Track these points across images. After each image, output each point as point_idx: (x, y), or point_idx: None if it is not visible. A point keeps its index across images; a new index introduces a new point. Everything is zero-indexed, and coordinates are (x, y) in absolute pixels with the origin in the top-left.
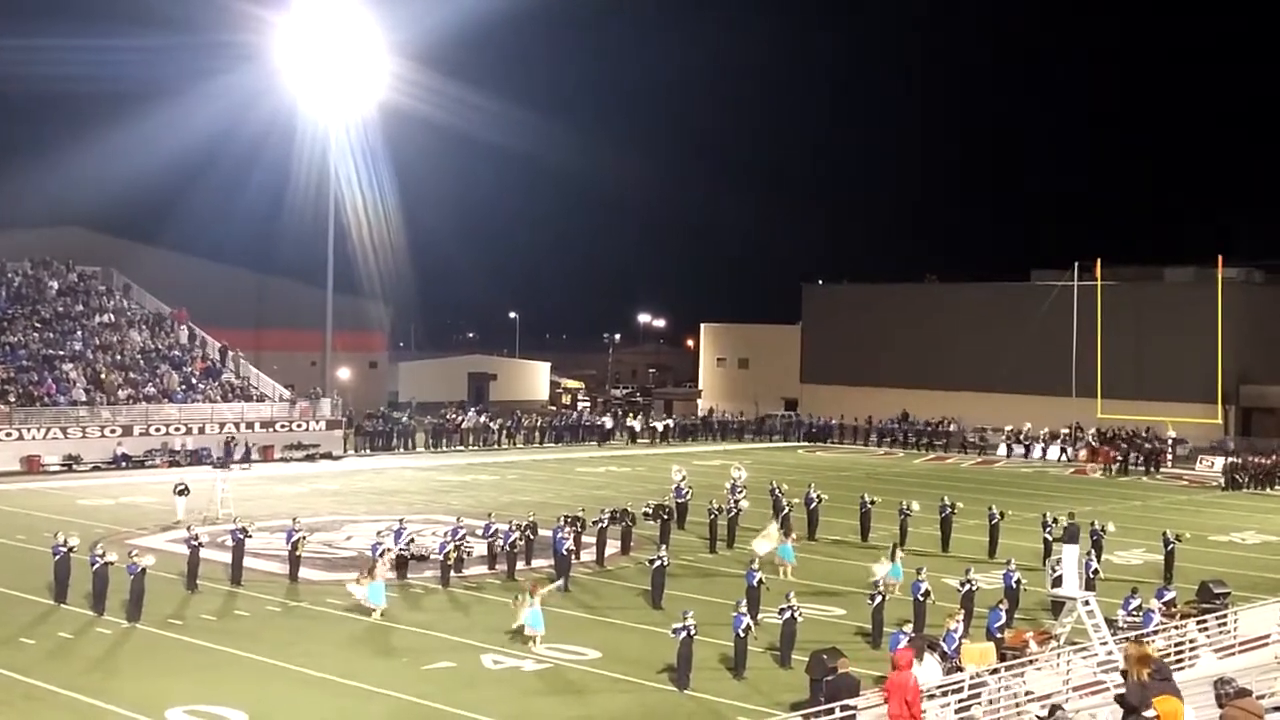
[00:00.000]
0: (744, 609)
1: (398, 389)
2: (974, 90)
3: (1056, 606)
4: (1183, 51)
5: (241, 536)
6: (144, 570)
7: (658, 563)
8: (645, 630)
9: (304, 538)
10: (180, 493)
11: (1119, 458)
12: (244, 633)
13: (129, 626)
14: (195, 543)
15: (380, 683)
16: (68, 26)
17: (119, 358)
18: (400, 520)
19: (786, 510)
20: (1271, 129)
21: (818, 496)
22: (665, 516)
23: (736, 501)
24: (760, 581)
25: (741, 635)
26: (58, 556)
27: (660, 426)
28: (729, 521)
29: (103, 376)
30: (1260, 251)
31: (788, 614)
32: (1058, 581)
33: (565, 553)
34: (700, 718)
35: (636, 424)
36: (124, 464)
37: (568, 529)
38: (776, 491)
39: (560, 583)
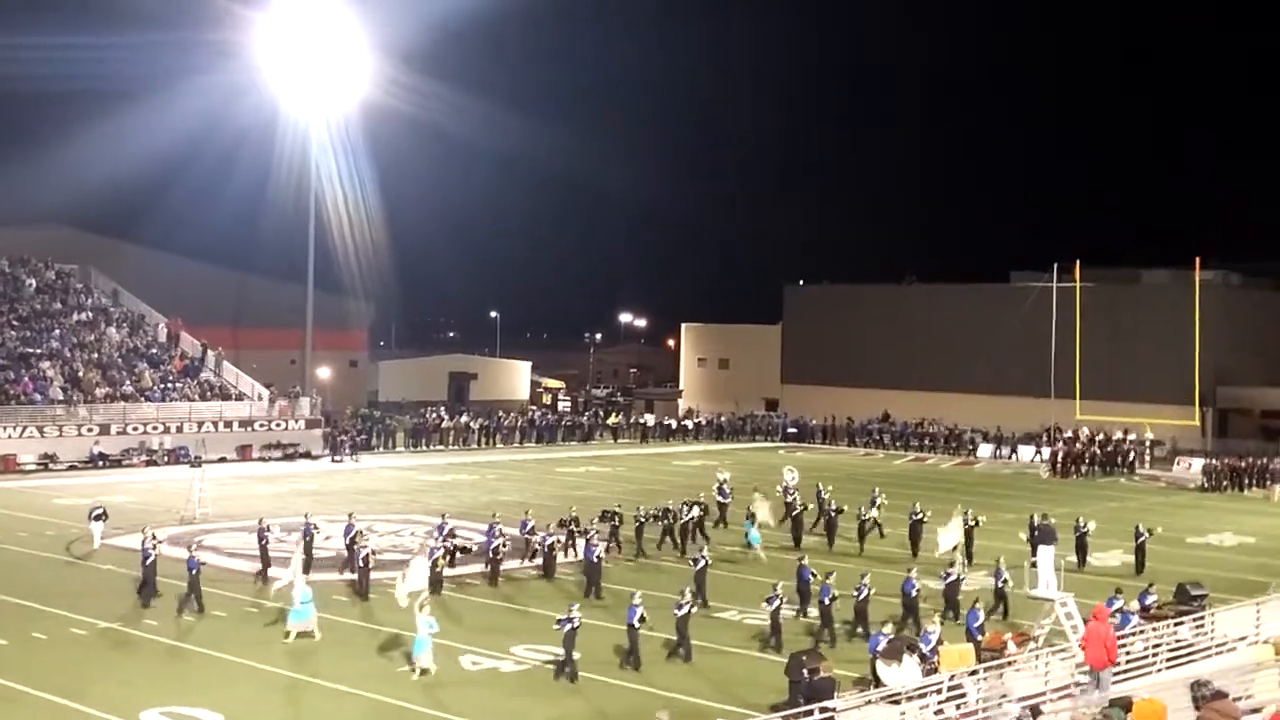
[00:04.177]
0: (638, 600)
1: (378, 388)
2: (955, 92)
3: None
4: (1161, 54)
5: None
6: (201, 565)
7: (701, 563)
8: (611, 629)
9: (360, 533)
10: (97, 518)
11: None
12: (220, 634)
13: (192, 620)
14: (153, 551)
15: (357, 684)
16: (48, 24)
17: (97, 356)
18: (443, 516)
19: (800, 510)
20: (1247, 132)
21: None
22: (700, 514)
23: (789, 504)
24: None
25: (634, 625)
26: (148, 560)
27: (673, 424)
28: (793, 520)
29: (80, 375)
30: (1237, 254)
31: (775, 604)
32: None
33: (595, 560)
34: (679, 718)
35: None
36: (101, 463)
37: (600, 532)
38: (823, 494)
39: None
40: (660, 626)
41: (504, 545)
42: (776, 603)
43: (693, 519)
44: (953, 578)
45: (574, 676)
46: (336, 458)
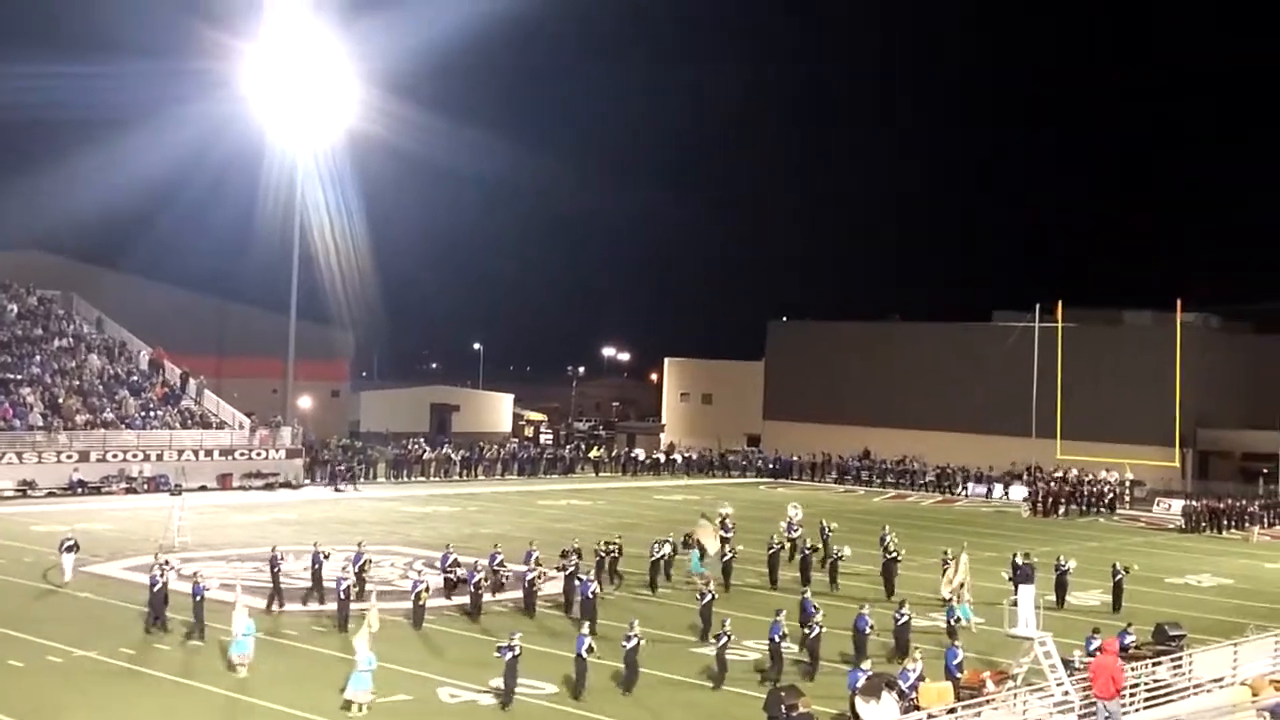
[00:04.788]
0: (586, 630)
1: (359, 418)
2: (938, 130)
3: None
4: (1146, 92)
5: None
6: (205, 591)
7: (707, 597)
8: (607, 665)
9: (369, 561)
10: (68, 549)
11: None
12: (198, 664)
13: (168, 648)
14: (161, 578)
15: (336, 716)
16: (34, 52)
17: (78, 383)
18: (448, 546)
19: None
20: (1231, 175)
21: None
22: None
23: (793, 539)
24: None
25: (583, 655)
26: (156, 587)
27: (679, 458)
28: (801, 559)
29: (61, 401)
30: (1218, 297)
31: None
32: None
33: (590, 595)
34: None
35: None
36: (80, 490)
37: (576, 565)
38: (826, 531)
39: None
40: (661, 661)
41: (485, 580)
42: (817, 630)
43: (663, 556)
44: (904, 619)
45: (506, 704)
46: (340, 487)
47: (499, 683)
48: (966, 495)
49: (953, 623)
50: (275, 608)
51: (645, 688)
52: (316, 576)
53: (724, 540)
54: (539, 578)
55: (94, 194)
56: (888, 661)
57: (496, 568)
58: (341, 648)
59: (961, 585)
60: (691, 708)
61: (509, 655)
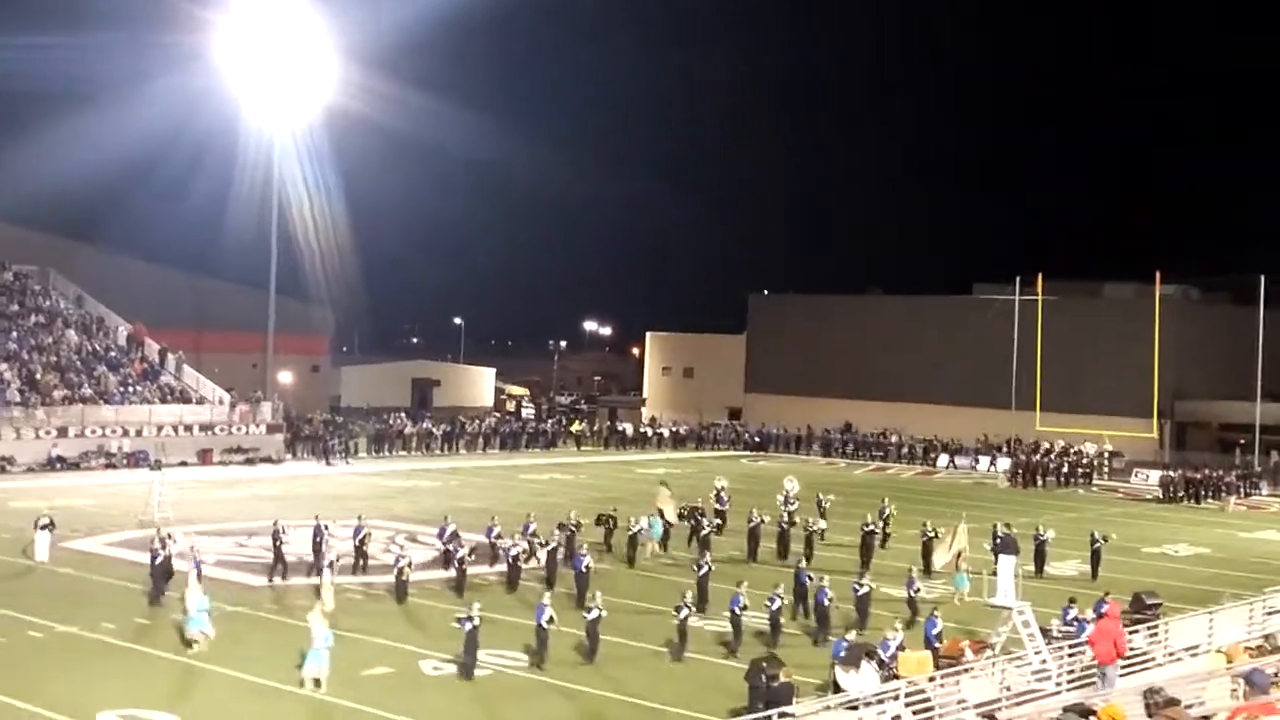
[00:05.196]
0: (547, 600)
1: (340, 393)
2: (919, 103)
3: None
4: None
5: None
6: (201, 564)
7: (705, 569)
8: (579, 636)
9: (368, 534)
10: (44, 527)
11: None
12: (178, 637)
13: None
14: (163, 551)
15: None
16: (8, 24)
17: (55, 359)
18: (445, 518)
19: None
20: (1211, 148)
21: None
22: (699, 518)
23: (790, 514)
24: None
25: (544, 625)
26: (157, 560)
27: (666, 432)
28: (780, 533)
29: (38, 377)
30: (1198, 269)
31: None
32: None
33: (584, 569)
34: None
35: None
36: (59, 466)
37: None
38: (822, 504)
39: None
40: (636, 632)
41: (469, 554)
42: (777, 604)
43: (640, 530)
44: (863, 590)
45: (469, 674)
46: (331, 461)
47: (461, 654)
48: (955, 466)
49: (912, 594)
50: (278, 580)
51: (617, 659)
52: (318, 549)
53: (718, 512)
54: (523, 553)
55: (69, 169)
56: (844, 632)
57: (530, 538)
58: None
59: (959, 554)
60: (653, 675)
61: (468, 626)
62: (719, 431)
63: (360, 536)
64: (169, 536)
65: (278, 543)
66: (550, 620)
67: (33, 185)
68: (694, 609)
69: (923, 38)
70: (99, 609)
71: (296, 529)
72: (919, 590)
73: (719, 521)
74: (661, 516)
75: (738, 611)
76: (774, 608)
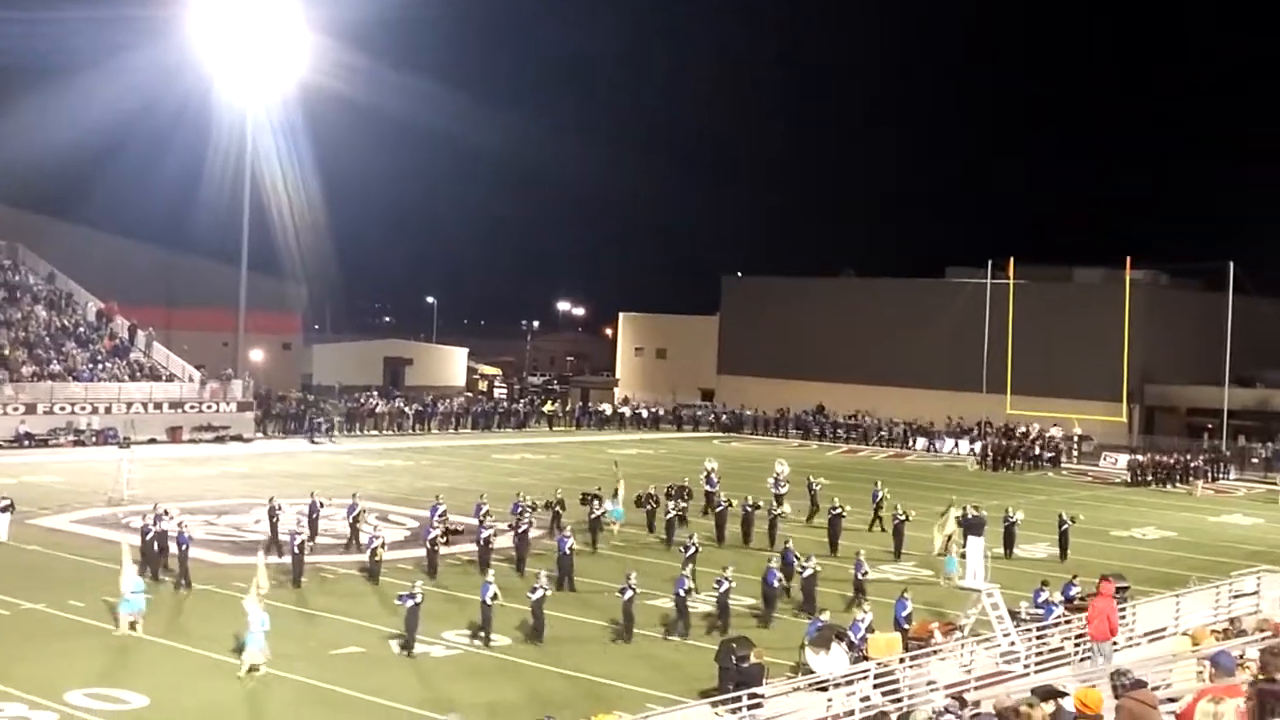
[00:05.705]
0: (490, 577)
1: (311, 371)
2: (894, 88)
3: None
4: (1099, 54)
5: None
6: (190, 540)
7: (692, 549)
8: (558, 618)
9: (362, 512)
10: (3, 509)
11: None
12: (147, 616)
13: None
14: (153, 527)
15: (287, 667)
16: None
17: (23, 334)
18: (437, 497)
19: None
20: (1181, 134)
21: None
22: (654, 505)
23: (779, 497)
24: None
25: (488, 603)
26: (148, 535)
27: (645, 412)
28: (770, 518)
29: (6, 353)
30: (1168, 255)
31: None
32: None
33: (568, 551)
34: (609, 703)
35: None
36: (27, 442)
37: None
38: (813, 487)
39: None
40: (601, 611)
41: (441, 537)
42: (725, 585)
43: (603, 514)
44: (808, 572)
45: (409, 650)
46: (316, 439)
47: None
48: (934, 449)
49: (861, 577)
50: (273, 558)
51: (582, 639)
52: (313, 526)
53: (708, 495)
54: (494, 534)
55: (39, 143)
56: (794, 615)
57: (481, 518)
58: (294, 601)
59: (950, 538)
60: (686, 661)
61: (410, 603)
62: (698, 413)
63: (354, 515)
64: (165, 513)
65: (274, 520)
66: (495, 597)
67: (2, 160)
68: (636, 591)
69: (901, 24)
70: (65, 587)
71: (293, 505)
72: (867, 573)
73: (685, 504)
74: (614, 498)
75: (682, 594)
76: (722, 589)
